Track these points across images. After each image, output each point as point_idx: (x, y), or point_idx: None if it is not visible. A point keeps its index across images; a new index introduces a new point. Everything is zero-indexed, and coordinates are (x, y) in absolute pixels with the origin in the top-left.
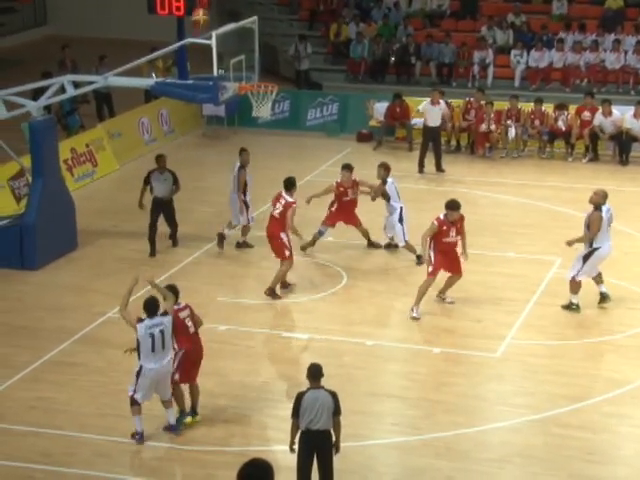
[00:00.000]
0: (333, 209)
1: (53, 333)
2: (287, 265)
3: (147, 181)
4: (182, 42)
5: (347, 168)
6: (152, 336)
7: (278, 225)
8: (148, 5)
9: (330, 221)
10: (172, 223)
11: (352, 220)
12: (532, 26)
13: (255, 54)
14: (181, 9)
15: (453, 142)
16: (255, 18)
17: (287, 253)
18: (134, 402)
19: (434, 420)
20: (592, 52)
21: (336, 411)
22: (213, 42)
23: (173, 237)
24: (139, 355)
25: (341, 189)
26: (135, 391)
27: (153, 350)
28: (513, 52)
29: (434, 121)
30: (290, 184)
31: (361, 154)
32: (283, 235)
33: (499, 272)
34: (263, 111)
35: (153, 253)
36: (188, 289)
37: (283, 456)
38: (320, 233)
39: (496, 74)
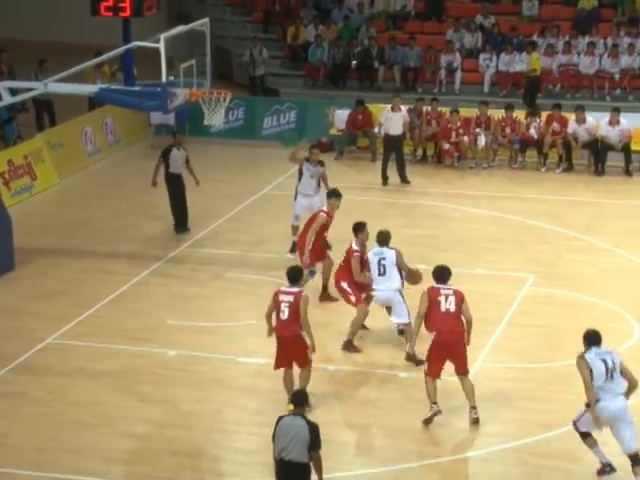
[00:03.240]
0: (313, 246)
1: None
2: (360, 313)
3: (165, 157)
4: (128, 46)
5: (337, 196)
6: (605, 362)
7: (340, 272)
8: (91, 6)
9: (316, 259)
10: (184, 201)
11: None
12: (501, 28)
13: (207, 58)
14: (127, 10)
15: (419, 152)
16: (206, 20)
17: (353, 299)
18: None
19: (401, 450)
20: (564, 54)
21: (312, 445)
22: (162, 46)
23: (184, 219)
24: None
25: (328, 220)
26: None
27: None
28: (482, 56)
29: (395, 129)
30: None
31: None
32: (344, 284)
33: (468, 290)
34: (215, 119)
35: (186, 226)
36: (135, 311)
37: None
38: (312, 273)
39: (464, 79)
